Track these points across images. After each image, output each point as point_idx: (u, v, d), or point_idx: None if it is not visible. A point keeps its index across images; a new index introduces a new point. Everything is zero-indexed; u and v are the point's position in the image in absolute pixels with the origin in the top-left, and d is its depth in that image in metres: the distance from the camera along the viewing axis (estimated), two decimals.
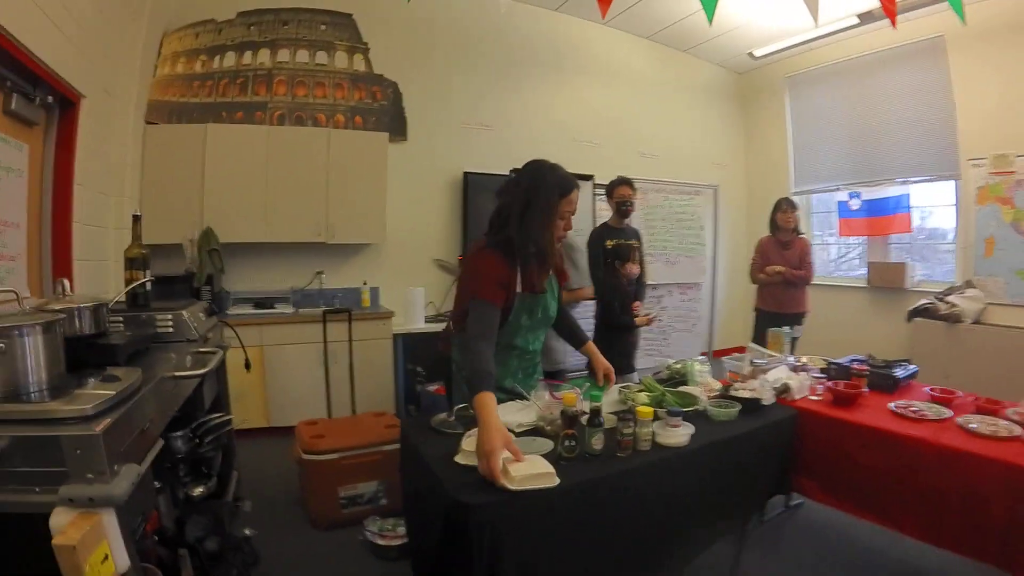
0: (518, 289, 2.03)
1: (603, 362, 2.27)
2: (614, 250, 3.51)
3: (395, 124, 4.81)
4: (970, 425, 2.08)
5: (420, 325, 4.57)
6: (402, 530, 2.57)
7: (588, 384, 2.24)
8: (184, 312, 1.90)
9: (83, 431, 0.98)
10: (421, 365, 4.49)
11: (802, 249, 4.31)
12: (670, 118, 6.50)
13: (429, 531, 1.63)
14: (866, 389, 2.54)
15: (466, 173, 5.05)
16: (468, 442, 1.69)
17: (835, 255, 6.55)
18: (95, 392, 1.13)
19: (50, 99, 2.62)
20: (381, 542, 2.57)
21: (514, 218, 1.96)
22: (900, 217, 5.68)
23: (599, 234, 3.62)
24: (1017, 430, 2.02)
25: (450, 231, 5.17)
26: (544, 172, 2.01)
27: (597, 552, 1.68)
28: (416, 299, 4.58)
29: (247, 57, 4.34)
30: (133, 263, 2.05)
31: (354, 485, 2.85)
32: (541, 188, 1.97)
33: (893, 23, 3.30)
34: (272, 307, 4.29)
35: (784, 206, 4.35)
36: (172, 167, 3.96)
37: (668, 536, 1.91)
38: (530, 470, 1.52)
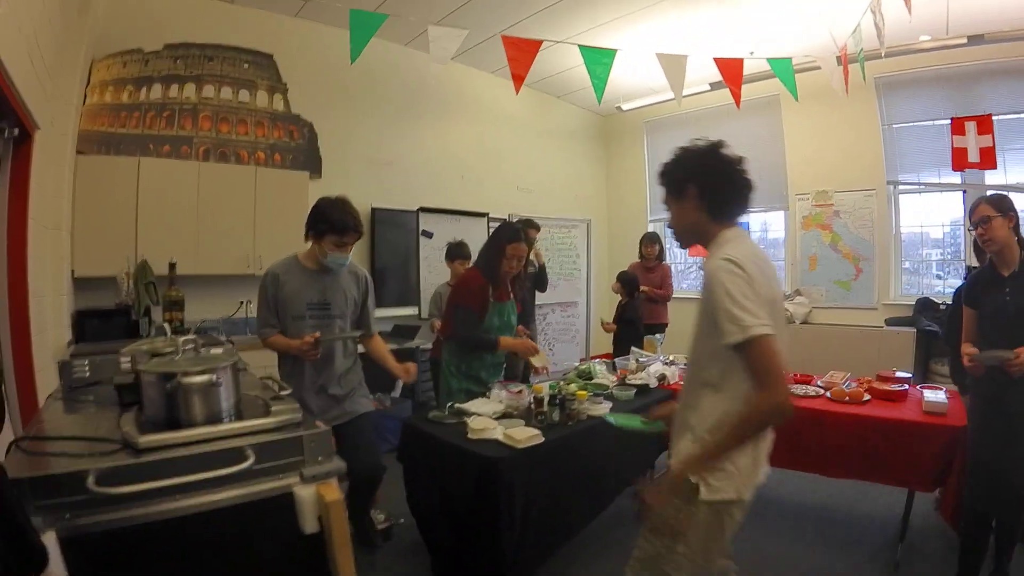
0: (491, 299, 3.16)
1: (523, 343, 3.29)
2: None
3: (310, 161, 5.31)
4: (791, 389, 3.26)
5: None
6: (382, 517, 3.23)
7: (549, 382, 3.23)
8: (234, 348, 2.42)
9: (314, 430, 1.58)
10: None
11: (664, 273, 5.47)
12: (543, 156, 7.63)
13: (457, 494, 2.42)
14: None
15: (373, 208, 5.66)
16: (475, 422, 2.56)
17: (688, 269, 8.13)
18: (284, 407, 1.71)
19: (16, 131, 2.58)
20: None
21: (483, 252, 3.26)
22: None
23: None
24: (819, 391, 3.33)
25: (359, 263, 5.63)
26: (503, 227, 3.27)
27: (562, 491, 2.61)
28: None
29: (173, 90, 4.63)
30: (174, 305, 2.54)
31: None
32: (497, 235, 3.21)
33: (737, 105, 4.52)
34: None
35: (647, 240, 5.51)
36: (104, 199, 4.11)
37: (600, 479, 2.90)
38: (526, 434, 2.43)
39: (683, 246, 1.91)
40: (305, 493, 1.51)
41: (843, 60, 4.95)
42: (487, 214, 6.61)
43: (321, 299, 2.75)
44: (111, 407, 1.73)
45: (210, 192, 4.51)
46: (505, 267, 3.17)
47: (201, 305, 4.70)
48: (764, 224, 7.46)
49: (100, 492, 1.21)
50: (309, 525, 1.50)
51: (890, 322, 6.15)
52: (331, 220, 2.67)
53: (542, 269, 5.16)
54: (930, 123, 6.32)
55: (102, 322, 3.98)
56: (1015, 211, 2.52)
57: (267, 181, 4.79)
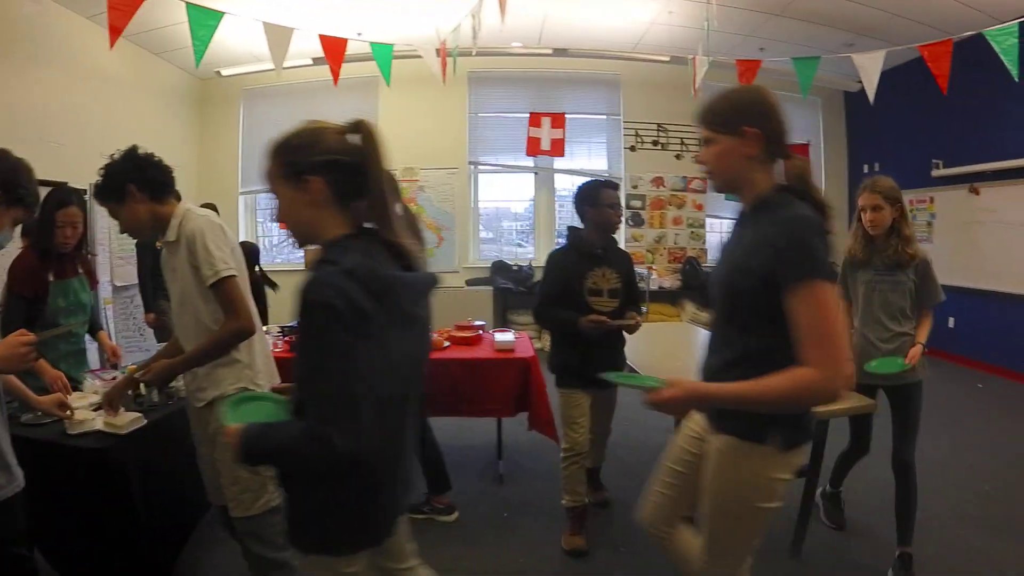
0: (52, 278, 2.85)
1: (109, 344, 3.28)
2: None
3: None
4: None
5: None
6: None
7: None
8: None
9: None
10: None
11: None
12: (134, 119, 6.79)
13: (70, 496, 2.30)
14: None
15: None
16: (74, 415, 2.37)
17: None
18: None
19: None
20: None
21: (33, 225, 2.81)
22: None
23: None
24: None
25: None
26: (50, 192, 2.87)
27: (182, 471, 2.57)
28: None
29: None
30: None
31: None
32: (45, 203, 2.77)
33: (335, 82, 4.87)
34: None
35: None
36: None
37: None
38: (127, 419, 2.37)
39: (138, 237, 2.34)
40: None
41: (442, 53, 5.73)
42: (66, 183, 5.73)
43: None
44: None
45: None
46: (59, 238, 2.87)
47: None
48: None
49: None
50: None
51: (470, 282, 7.59)
52: (32, 190, 1.98)
53: None
54: (512, 115, 7.81)
55: None
56: None
57: None
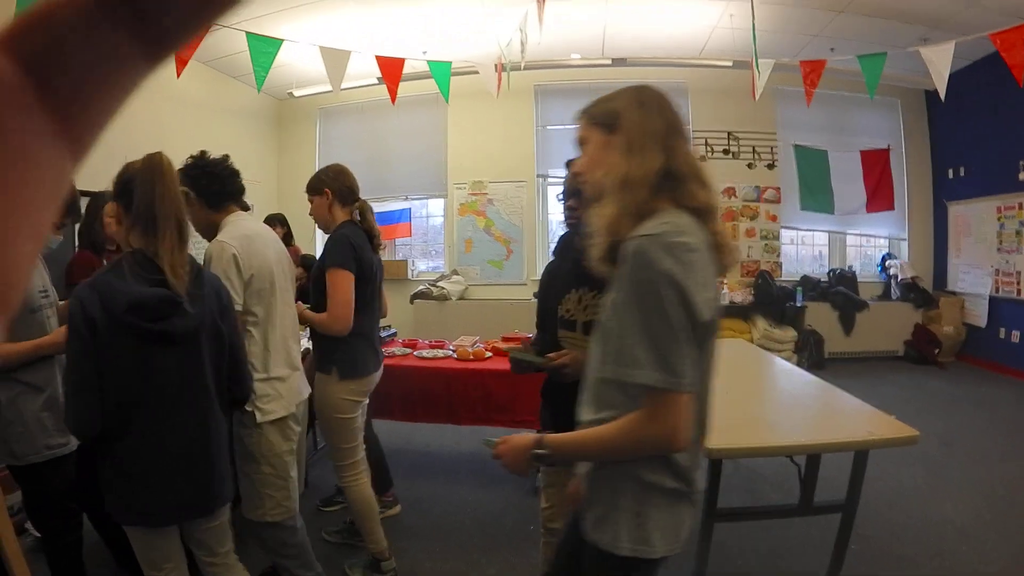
0: None
1: None
2: None
3: None
4: (421, 354, 3.99)
5: None
6: None
7: None
8: None
9: None
10: None
11: (296, 255, 5.74)
12: (216, 138, 7.38)
13: None
14: None
15: None
16: None
17: None
18: None
19: None
20: None
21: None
22: (403, 226, 8.31)
23: None
24: (448, 353, 3.99)
25: None
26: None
27: None
28: None
29: None
30: None
31: None
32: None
33: (392, 100, 5.23)
34: None
35: (269, 223, 5.33)
36: None
37: None
38: None
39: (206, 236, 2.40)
40: None
41: (499, 68, 6.00)
42: None
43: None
44: None
45: None
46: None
47: None
48: (425, 210, 8.63)
49: None
50: None
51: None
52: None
53: None
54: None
55: None
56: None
57: None
